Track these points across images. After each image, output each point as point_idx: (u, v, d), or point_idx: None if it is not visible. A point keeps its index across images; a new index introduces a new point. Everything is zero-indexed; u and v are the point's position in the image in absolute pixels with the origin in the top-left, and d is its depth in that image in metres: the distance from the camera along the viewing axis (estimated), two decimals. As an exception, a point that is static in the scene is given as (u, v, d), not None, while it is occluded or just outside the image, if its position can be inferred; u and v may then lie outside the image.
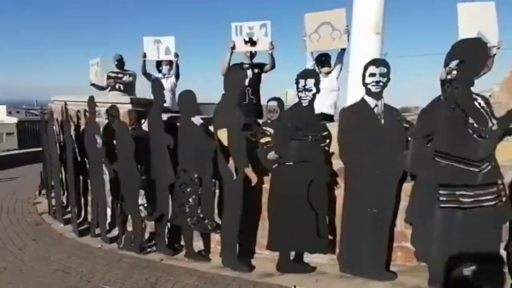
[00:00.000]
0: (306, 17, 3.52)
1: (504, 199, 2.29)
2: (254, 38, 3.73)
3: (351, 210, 2.65)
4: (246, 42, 3.76)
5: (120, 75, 5.07)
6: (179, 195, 3.07)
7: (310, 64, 3.69)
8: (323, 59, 3.75)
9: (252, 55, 3.96)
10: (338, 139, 2.70)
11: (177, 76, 4.57)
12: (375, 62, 2.55)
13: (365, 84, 2.56)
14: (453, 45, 2.37)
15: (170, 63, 4.53)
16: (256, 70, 3.93)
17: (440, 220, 2.39)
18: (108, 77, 5.01)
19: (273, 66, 3.97)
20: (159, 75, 4.57)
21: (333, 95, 3.76)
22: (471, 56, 2.29)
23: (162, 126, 3.11)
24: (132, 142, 3.20)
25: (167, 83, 4.42)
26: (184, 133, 3.04)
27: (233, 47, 3.80)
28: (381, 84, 2.51)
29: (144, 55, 4.42)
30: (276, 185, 2.75)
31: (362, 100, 2.60)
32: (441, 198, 2.36)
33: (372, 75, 2.51)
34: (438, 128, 2.37)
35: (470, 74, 2.32)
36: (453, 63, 2.30)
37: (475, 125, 2.27)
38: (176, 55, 4.42)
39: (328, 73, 3.73)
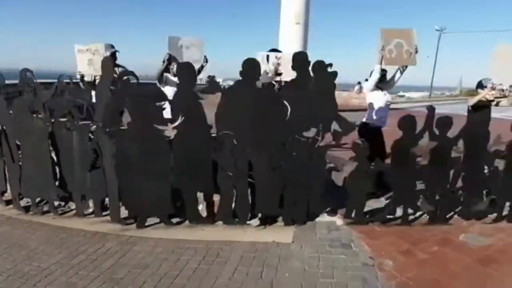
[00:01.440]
0: (383, 32, 3.50)
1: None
2: (281, 70, 3.84)
3: None
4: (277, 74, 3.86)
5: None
6: None
7: (376, 77, 3.72)
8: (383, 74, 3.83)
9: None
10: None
11: None
12: None
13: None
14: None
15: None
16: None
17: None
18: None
19: None
20: (170, 76, 3.97)
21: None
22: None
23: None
24: None
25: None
26: None
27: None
28: None
29: (169, 58, 3.77)
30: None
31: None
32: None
33: None
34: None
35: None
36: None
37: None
38: (206, 60, 3.92)
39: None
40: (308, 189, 3.30)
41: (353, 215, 3.34)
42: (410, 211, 3.44)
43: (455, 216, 3.49)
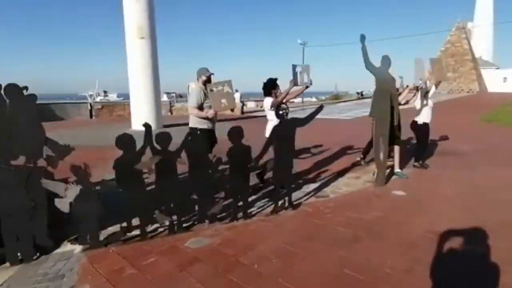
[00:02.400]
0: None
1: None
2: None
3: None
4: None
5: None
6: None
7: None
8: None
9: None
10: None
11: None
12: None
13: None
14: None
15: None
16: None
17: None
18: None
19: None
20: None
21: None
22: None
23: None
24: None
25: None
26: None
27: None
28: None
29: (296, 84, 4.45)
30: None
31: None
32: None
33: None
34: None
35: None
36: None
37: None
38: (311, 82, 4.57)
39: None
40: (30, 222, 3.02)
41: (88, 239, 3.23)
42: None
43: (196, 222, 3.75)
